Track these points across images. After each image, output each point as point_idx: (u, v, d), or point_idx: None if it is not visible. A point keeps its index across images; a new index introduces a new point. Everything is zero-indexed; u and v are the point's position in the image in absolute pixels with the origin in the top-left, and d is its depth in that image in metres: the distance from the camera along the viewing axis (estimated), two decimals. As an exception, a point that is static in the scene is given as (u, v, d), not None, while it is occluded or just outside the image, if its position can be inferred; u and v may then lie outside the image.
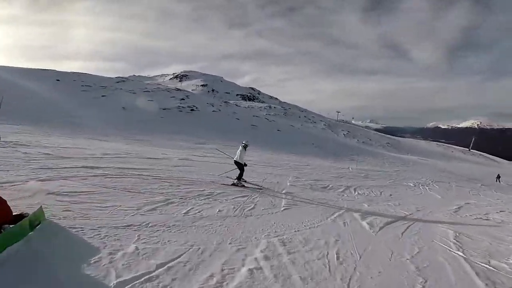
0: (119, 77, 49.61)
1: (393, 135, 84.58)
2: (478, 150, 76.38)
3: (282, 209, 5.62)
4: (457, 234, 5.26)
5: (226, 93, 75.32)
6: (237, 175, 7.28)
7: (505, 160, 67.72)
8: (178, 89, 42.24)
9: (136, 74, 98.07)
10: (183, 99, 34.25)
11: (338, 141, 35.63)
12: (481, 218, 7.68)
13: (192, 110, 30.98)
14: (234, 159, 7.48)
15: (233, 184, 7.10)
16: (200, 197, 5.39)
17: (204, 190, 6.01)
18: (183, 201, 4.94)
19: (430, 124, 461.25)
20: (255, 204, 5.55)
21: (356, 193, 9.06)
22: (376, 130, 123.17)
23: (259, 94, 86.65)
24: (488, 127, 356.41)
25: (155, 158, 9.65)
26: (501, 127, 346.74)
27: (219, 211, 4.76)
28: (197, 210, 4.60)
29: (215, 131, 22.77)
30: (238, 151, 7.52)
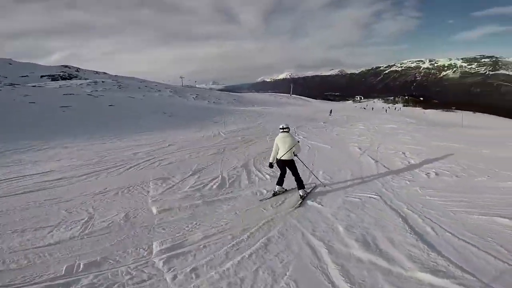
0: None
1: (234, 92, 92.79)
2: (296, 94, 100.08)
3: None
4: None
5: (23, 76, 51.64)
6: (297, 183, 4.88)
7: (312, 99, 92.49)
8: None
9: None
10: None
11: (190, 106, 33.19)
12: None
13: None
14: (281, 158, 4.84)
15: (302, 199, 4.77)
16: None
17: None
18: None
19: (259, 79, 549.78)
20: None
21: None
22: (221, 90, 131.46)
23: (77, 71, 66.89)
24: (296, 76, 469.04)
25: None
26: (303, 75, 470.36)
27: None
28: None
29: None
30: (288, 143, 4.84)
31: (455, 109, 66.82)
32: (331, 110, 32.72)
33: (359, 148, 9.81)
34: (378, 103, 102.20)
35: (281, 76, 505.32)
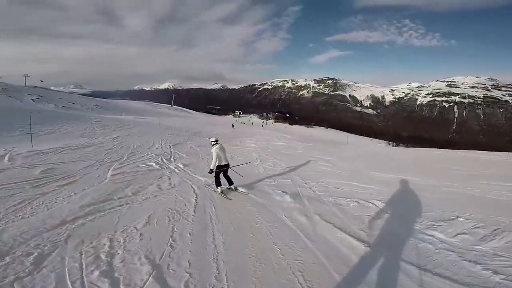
0: None
1: (100, 98, 77.72)
2: (178, 106, 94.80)
3: None
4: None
5: None
6: (229, 181, 6.46)
7: (195, 112, 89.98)
8: None
9: None
10: None
11: (16, 109, 22.93)
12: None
13: None
14: (226, 162, 6.32)
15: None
16: None
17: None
18: None
19: (136, 87, 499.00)
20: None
21: None
22: (83, 95, 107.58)
23: None
24: (180, 87, 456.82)
25: None
26: (187, 87, 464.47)
27: None
28: None
29: None
30: (222, 151, 6.38)
31: (314, 125, 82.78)
32: (232, 124, 32.04)
33: (286, 194, 6.14)
34: (254, 118, 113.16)
35: (163, 86, 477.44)
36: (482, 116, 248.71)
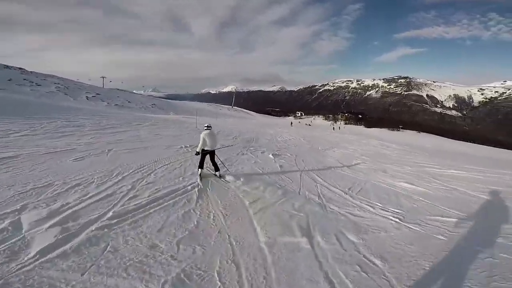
0: None
1: (169, 100, 79.75)
2: (238, 107, 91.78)
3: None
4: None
5: None
6: (214, 167, 6.40)
7: (255, 113, 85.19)
8: None
9: None
10: None
11: (53, 104, 19.84)
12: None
13: None
14: (211, 148, 6.29)
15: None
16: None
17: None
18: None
19: (203, 90, 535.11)
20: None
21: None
22: (158, 97, 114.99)
23: None
24: (241, 90, 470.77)
25: None
26: (248, 89, 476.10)
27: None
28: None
29: None
30: (211, 137, 6.30)
31: (402, 128, 67.04)
32: (291, 122, 24.28)
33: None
34: (318, 119, 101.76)
35: (226, 89, 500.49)
36: None
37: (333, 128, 51.02)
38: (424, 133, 63.78)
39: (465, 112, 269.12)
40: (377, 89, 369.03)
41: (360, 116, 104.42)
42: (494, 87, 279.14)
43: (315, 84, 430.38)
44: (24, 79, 34.41)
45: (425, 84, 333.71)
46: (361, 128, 63.44)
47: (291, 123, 54.78)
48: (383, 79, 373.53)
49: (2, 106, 13.86)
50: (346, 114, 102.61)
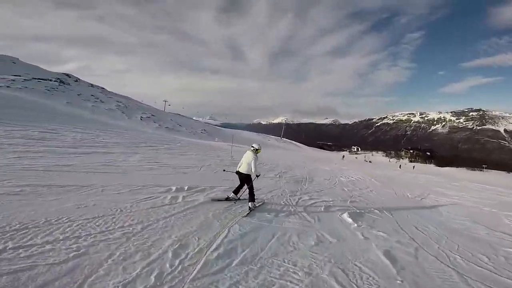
0: None
1: (224, 128, 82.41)
2: (287, 138, 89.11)
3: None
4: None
5: (15, 75, 38.61)
6: (248, 194, 5.29)
7: (304, 145, 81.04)
8: None
9: None
10: None
11: (107, 123, 19.92)
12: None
13: None
14: (239, 170, 5.46)
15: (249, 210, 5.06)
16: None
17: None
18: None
19: (255, 121, 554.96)
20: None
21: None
22: (214, 125, 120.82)
23: (76, 81, 53.97)
24: (291, 122, 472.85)
25: None
26: (298, 121, 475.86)
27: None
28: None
29: None
30: (245, 159, 5.46)
31: (486, 167, 54.44)
32: (343, 155, 20.40)
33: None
34: (377, 156, 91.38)
35: (277, 120, 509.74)
36: None
37: (400, 166, 43.38)
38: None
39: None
40: (443, 123, 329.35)
41: (429, 153, 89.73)
42: None
43: (372, 118, 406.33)
44: (92, 95, 37.58)
45: (502, 117, 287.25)
46: (432, 167, 52.93)
47: (343, 157, 49.38)
48: (451, 112, 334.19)
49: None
50: (411, 151, 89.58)
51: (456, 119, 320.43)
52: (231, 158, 13.22)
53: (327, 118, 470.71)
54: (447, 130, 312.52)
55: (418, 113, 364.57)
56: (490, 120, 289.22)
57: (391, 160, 75.06)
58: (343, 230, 4.64)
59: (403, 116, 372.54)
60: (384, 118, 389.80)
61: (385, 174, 18.93)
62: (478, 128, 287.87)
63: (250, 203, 5.16)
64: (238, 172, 5.44)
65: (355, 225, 5.01)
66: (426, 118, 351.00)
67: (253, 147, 5.51)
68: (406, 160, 74.85)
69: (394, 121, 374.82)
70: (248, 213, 4.89)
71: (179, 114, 63.02)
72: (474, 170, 52.46)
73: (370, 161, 51.97)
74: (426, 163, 67.44)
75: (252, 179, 5.36)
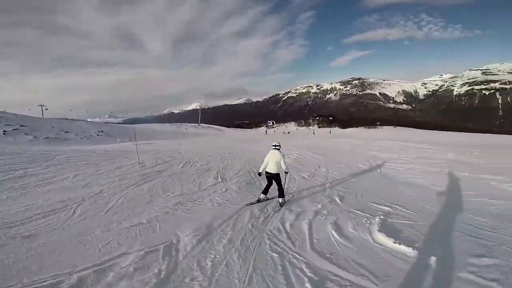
0: None
1: (128, 124, 70.72)
2: (205, 124, 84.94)
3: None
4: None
5: None
6: (278, 191, 5.53)
7: (225, 127, 79.14)
8: None
9: None
10: None
11: None
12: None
13: None
14: (268, 170, 5.53)
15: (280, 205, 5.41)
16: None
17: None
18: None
19: (166, 111, 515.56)
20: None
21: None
22: (116, 123, 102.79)
23: None
24: (206, 106, 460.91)
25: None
26: (214, 105, 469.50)
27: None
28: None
29: None
30: (272, 158, 5.53)
31: (379, 124, 65.61)
32: (266, 131, 19.28)
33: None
34: (290, 126, 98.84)
35: (191, 107, 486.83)
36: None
37: (313, 132, 47.24)
38: (399, 127, 63.52)
39: (414, 105, 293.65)
40: (335, 92, 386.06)
41: (331, 118, 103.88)
42: (434, 80, 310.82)
43: (279, 93, 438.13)
44: None
45: (377, 83, 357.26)
46: (338, 130, 60.71)
47: (266, 132, 50.69)
48: (340, 82, 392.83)
49: None
50: (318, 118, 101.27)
51: (344, 87, 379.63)
52: (141, 166, 9.57)
53: (240, 98, 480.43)
54: (338, 98, 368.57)
55: (315, 85, 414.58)
56: (368, 86, 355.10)
57: (299, 128, 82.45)
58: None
59: (304, 89, 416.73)
60: (288, 92, 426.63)
61: (312, 144, 18.87)
62: (361, 93, 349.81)
63: (280, 198, 5.48)
64: (267, 173, 5.55)
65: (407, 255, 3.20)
66: (321, 89, 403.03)
67: (276, 146, 5.70)
68: (316, 127, 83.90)
69: (297, 94, 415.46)
70: (280, 208, 5.24)
71: (66, 118, 49.73)
72: (370, 128, 63.18)
73: (288, 132, 54.83)
74: (331, 127, 77.39)
75: (285, 176, 5.80)
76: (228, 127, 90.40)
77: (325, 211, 4.91)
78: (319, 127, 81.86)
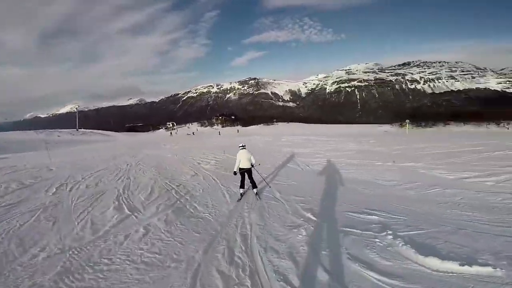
0: None
1: None
2: (87, 129, 69.99)
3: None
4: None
5: None
6: (251, 185, 6.57)
7: (115, 132, 67.80)
8: None
9: None
10: None
11: None
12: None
13: None
14: (242, 166, 6.49)
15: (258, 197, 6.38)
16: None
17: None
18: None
19: (28, 115, 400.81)
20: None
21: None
22: None
23: None
24: (86, 108, 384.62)
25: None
26: (96, 107, 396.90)
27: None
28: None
29: None
30: (243, 157, 6.52)
31: (276, 121, 71.52)
32: (171, 133, 17.37)
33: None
34: (193, 127, 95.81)
35: (65, 110, 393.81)
36: (377, 95, 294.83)
37: (219, 133, 47.11)
38: (291, 123, 72.95)
39: (298, 103, 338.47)
40: (234, 91, 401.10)
41: (233, 117, 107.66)
42: (312, 80, 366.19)
43: (178, 93, 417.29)
44: None
45: (269, 83, 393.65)
46: (242, 128, 63.28)
47: (171, 134, 47.07)
48: (238, 82, 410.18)
49: None
50: (221, 117, 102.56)
51: (242, 87, 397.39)
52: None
53: (131, 99, 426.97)
54: (237, 97, 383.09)
55: (216, 84, 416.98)
56: (262, 86, 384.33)
57: (203, 129, 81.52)
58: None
59: (204, 88, 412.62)
60: (188, 92, 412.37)
61: (224, 145, 18.35)
62: (256, 92, 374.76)
63: (254, 189, 6.52)
64: (241, 169, 6.48)
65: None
66: (221, 89, 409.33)
67: (243, 146, 6.82)
68: (220, 126, 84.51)
69: (198, 93, 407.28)
70: (258, 196, 6.35)
71: None
72: (269, 124, 69.18)
73: (193, 134, 52.52)
74: (234, 126, 79.95)
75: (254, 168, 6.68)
76: (117, 131, 77.73)
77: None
78: (223, 127, 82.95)
